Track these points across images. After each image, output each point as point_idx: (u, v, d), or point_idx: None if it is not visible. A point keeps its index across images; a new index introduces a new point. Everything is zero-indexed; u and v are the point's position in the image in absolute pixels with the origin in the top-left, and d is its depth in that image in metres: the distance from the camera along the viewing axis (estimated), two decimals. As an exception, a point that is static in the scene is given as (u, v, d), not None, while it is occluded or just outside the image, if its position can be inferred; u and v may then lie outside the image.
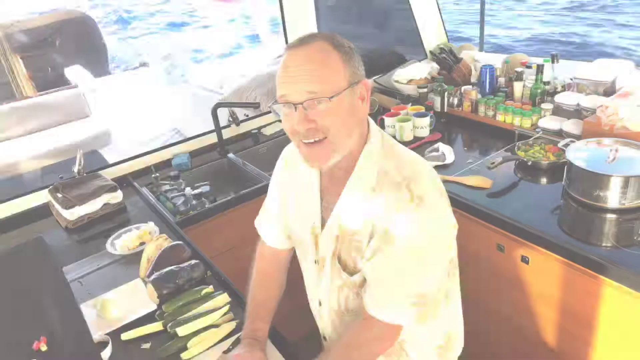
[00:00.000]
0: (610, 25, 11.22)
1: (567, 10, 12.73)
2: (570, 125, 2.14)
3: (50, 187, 2.24)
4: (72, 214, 2.10)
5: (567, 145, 1.89)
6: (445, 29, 3.42)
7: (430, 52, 3.13)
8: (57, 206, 2.15)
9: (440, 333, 1.31)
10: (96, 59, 6.54)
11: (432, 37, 3.37)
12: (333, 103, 1.04)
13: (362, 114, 1.13)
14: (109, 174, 2.41)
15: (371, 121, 1.20)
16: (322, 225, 1.22)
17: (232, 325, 1.44)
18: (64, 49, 6.14)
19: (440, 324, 1.30)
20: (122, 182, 2.39)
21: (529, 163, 2.04)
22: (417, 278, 1.11)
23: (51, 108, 5.32)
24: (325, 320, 1.33)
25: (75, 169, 2.31)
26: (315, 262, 1.27)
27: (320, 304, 1.32)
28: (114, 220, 2.16)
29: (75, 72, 5.90)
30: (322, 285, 1.27)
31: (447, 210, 1.13)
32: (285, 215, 1.38)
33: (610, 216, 1.72)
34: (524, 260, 1.77)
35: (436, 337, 1.31)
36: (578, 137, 2.04)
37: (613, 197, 1.69)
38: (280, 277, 1.46)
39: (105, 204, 2.18)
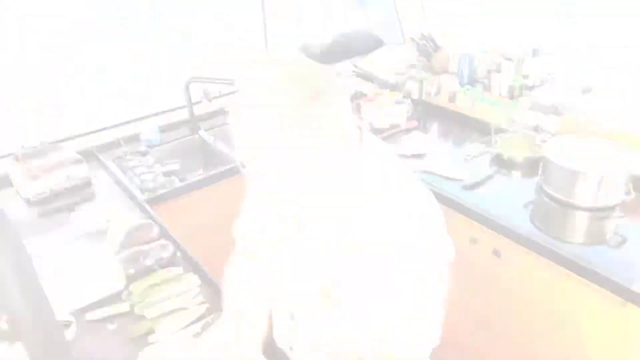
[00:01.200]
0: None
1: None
2: (547, 121, 2.16)
3: (10, 156, 2.12)
4: (34, 186, 2.00)
5: (544, 141, 1.90)
6: (425, 14, 3.39)
7: (411, 38, 3.10)
8: (17, 177, 2.04)
9: None
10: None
11: (411, 22, 3.33)
12: None
13: None
14: (72, 145, 2.29)
15: None
16: None
17: (201, 308, 1.40)
18: None
19: None
20: (87, 156, 2.28)
21: (505, 157, 2.05)
22: None
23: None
24: None
25: (37, 138, 2.19)
26: None
27: None
28: (78, 194, 2.06)
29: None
30: None
31: None
32: None
33: (582, 214, 1.75)
34: (496, 253, 1.78)
35: None
36: (554, 134, 2.06)
37: (586, 195, 1.72)
38: None
39: (69, 177, 2.08)
